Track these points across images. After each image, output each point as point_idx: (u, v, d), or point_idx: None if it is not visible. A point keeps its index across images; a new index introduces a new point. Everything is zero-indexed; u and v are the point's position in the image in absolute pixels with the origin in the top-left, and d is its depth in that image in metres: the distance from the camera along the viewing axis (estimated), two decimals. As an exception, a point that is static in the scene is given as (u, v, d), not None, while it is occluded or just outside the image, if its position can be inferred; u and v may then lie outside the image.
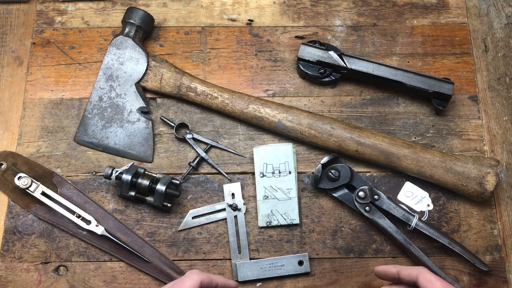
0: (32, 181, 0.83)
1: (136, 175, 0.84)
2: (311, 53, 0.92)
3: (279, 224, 0.86)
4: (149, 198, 0.85)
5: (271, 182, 0.86)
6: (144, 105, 0.90)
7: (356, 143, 0.86)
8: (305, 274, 0.84)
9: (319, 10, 1.00)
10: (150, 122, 0.90)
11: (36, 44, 0.96)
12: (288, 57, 0.97)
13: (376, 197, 0.85)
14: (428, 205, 0.88)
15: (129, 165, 0.85)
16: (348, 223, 0.87)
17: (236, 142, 0.91)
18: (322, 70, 0.92)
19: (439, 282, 0.66)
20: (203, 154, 0.89)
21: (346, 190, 0.86)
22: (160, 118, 0.92)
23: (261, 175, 0.87)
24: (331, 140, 0.86)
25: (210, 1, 1.00)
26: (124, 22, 0.93)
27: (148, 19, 0.93)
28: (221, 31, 0.98)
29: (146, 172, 0.86)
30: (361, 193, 0.84)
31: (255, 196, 0.87)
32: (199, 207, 0.87)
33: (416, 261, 0.83)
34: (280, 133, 0.89)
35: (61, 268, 0.84)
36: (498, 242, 0.86)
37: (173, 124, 0.90)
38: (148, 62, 0.91)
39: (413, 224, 0.83)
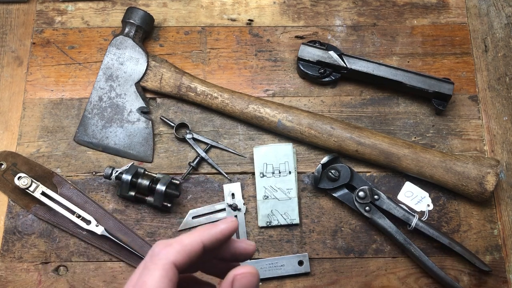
0: (32, 181, 0.83)
1: (136, 175, 0.84)
2: (311, 53, 0.92)
3: (279, 224, 0.86)
4: (149, 198, 0.85)
5: (271, 182, 0.86)
6: (144, 105, 0.90)
7: (356, 143, 0.86)
8: (305, 274, 0.84)
9: (319, 10, 1.00)
10: (150, 122, 0.90)
11: (36, 44, 0.96)
12: (288, 57, 0.97)
13: (376, 197, 0.85)
14: (428, 205, 0.88)
15: (129, 165, 0.85)
16: (348, 223, 0.87)
17: (236, 142, 0.91)
18: (322, 70, 0.92)
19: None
20: (203, 154, 0.89)
21: (346, 190, 0.86)
22: (160, 118, 0.92)
23: (261, 175, 0.87)
24: (331, 140, 0.86)
25: (210, 1, 1.00)
26: (124, 22, 0.93)
27: (148, 19, 0.93)
28: (221, 31, 0.98)
29: (146, 172, 0.86)
30: (361, 193, 0.84)
31: (255, 196, 0.87)
32: (199, 207, 0.87)
33: (416, 261, 0.83)
34: (280, 133, 0.89)
35: (61, 268, 0.84)
36: (498, 242, 0.86)
37: (173, 124, 0.90)
38: (148, 62, 0.91)
39: (413, 224, 0.83)
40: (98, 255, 0.84)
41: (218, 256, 0.47)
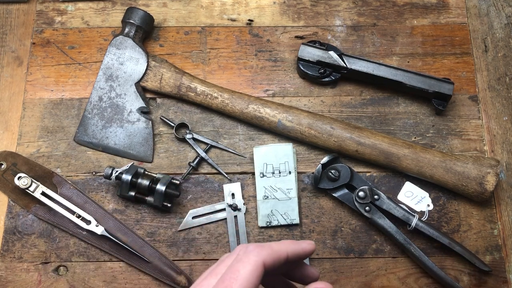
0: (32, 181, 0.83)
1: (136, 175, 0.84)
2: (311, 53, 0.92)
3: (279, 224, 0.86)
4: (149, 198, 0.85)
5: (271, 182, 0.86)
6: (144, 105, 0.90)
7: (356, 143, 0.86)
8: (305, 274, 0.84)
9: (319, 10, 1.00)
10: (150, 122, 0.90)
11: (36, 44, 0.96)
12: (288, 57, 0.97)
13: (376, 197, 0.85)
14: (428, 205, 0.88)
15: (129, 165, 0.85)
16: (348, 223, 0.87)
17: (236, 142, 0.91)
18: (322, 70, 0.92)
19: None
20: (203, 154, 0.89)
21: (346, 190, 0.86)
22: (160, 118, 0.92)
23: (261, 175, 0.87)
24: (331, 140, 0.86)
25: (210, 1, 1.00)
26: (124, 22, 0.93)
27: (148, 19, 0.93)
28: (221, 31, 0.98)
29: (146, 172, 0.86)
30: (361, 193, 0.84)
31: (255, 196, 0.87)
32: (199, 207, 0.87)
33: (416, 261, 0.83)
34: (280, 133, 0.89)
35: (61, 268, 0.84)
36: (498, 242, 0.86)
37: (173, 124, 0.90)
38: (148, 62, 0.91)
39: (413, 224, 0.83)
40: (98, 255, 0.84)
41: (289, 274, 0.54)
